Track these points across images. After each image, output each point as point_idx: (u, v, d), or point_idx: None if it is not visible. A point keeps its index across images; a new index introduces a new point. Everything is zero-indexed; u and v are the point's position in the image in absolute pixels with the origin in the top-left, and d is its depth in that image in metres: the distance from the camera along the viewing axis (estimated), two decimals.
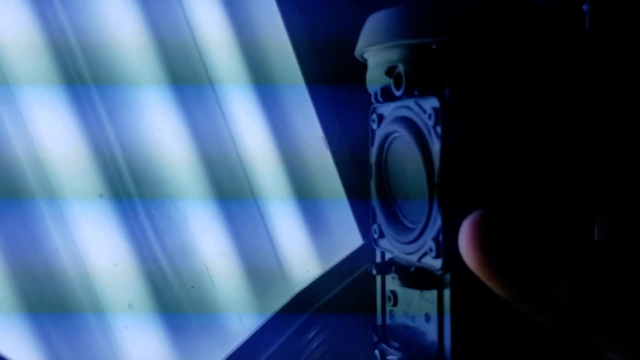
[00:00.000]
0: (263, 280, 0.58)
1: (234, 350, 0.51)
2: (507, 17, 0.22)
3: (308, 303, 0.60)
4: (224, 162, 0.58)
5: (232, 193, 0.58)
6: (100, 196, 0.46)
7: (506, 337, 0.23)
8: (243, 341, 0.52)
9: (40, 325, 0.40)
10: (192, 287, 0.51)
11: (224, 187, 0.56)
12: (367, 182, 0.27)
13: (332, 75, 0.69)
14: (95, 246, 0.45)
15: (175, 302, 0.49)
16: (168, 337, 0.48)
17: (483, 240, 0.19)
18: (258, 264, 0.58)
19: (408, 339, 0.25)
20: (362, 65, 0.28)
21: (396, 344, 0.25)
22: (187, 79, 0.55)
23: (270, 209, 0.63)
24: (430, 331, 0.24)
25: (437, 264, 0.23)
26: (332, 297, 0.62)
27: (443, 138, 0.22)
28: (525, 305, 0.20)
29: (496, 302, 0.22)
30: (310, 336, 0.58)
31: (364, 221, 0.69)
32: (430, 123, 0.23)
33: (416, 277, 0.24)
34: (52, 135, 0.44)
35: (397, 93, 0.24)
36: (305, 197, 0.66)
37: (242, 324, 0.54)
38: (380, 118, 0.26)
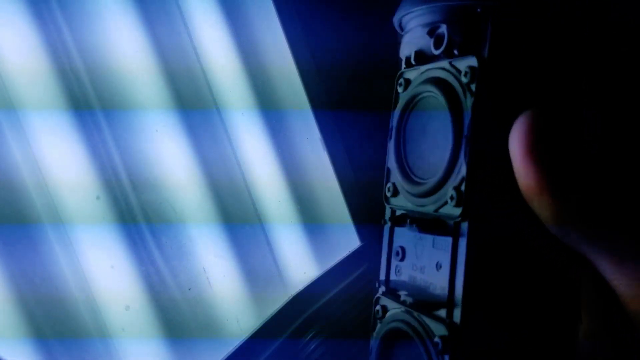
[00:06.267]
0: (260, 282, 0.58)
1: (232, 352, 0.51)
2: None
3: (306, 305, 0.60)
4: (223, 166, 0.58)
5: (229, 195, 0.58)
6: (97, 198, 0.46)
7: (516, 285, 0.25)
8: (240, 343, 0.52)
9: (36, 327, 0.40)
10: (189, 289, 0.51)
11: (221, 189, 0.56)
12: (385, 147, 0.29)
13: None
14: (93, 248, 0.45)
15: (173, 304, 0.49)
16: (165, 339, 0.48)
17: (538, 129, 0.22)
18: (255, 266, 0.58)
19: (416, 288, 0.27)
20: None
21: (404, 292, 0.27)
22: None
23: (268, 211, 0.63)
24: (441, 279, 0.25)
25: (456, 211, 0.24)
26: (330, 298, 0.62)
27: (477, 94, 0.24)
28: (543, 199, 0.22)
29: (508, 252, 0.24)
30: (308, 338, 0.58)
31: (361, 223, 0.69)
32: (465, 80, 0.24)
33: (434, 224, 0.25)
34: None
35: (437, 52, 0.25)
36: (303, 199, 0.66)
37: (240, 325, 0.54)
38: (408, 82, 0.28)
